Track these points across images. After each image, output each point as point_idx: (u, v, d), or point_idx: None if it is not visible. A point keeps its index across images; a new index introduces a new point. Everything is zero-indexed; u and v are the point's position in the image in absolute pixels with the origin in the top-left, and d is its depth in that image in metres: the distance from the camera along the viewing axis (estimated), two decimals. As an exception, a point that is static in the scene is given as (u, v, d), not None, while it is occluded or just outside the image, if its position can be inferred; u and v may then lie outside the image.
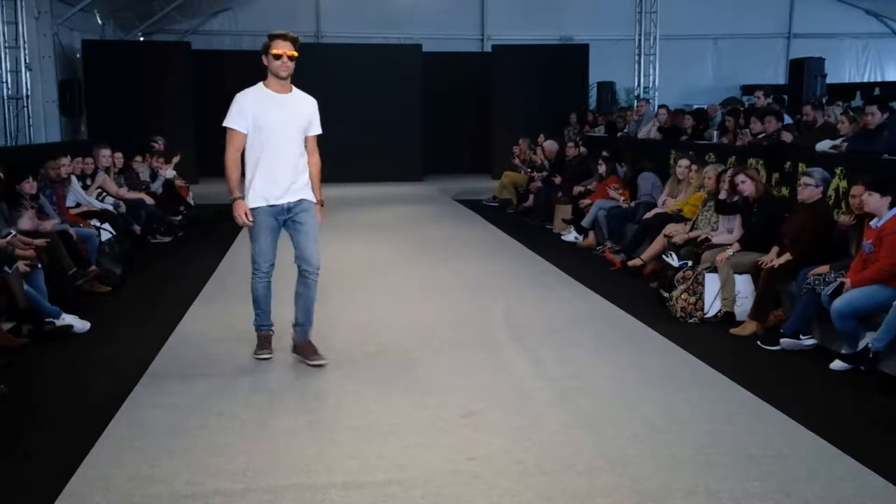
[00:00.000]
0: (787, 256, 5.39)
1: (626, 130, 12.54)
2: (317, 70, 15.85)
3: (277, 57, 4.41)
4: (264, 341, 4.87)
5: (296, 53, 4.45)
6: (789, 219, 5.69)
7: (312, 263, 4.63)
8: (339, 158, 15.61)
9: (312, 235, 4.61)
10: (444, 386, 4.33)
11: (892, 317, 4.39)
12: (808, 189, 5.48)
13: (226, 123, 4.47)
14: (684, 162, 7.84)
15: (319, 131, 4.69)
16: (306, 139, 4.64)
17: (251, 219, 4.49)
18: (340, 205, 12.57)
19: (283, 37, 4.43)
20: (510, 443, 3.58)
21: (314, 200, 4.67)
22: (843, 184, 6.00)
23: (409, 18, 17.41)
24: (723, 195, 6.36)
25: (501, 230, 9.85)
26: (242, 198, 4.50)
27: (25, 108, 12.26)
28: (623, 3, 16.69)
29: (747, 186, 6.04)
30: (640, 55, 15.96)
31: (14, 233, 5.90)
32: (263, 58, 4.47)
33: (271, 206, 4.52)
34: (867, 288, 4.64)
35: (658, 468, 3.32)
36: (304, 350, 4.71)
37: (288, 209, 4.56)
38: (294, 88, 4.59)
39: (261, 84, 4.54)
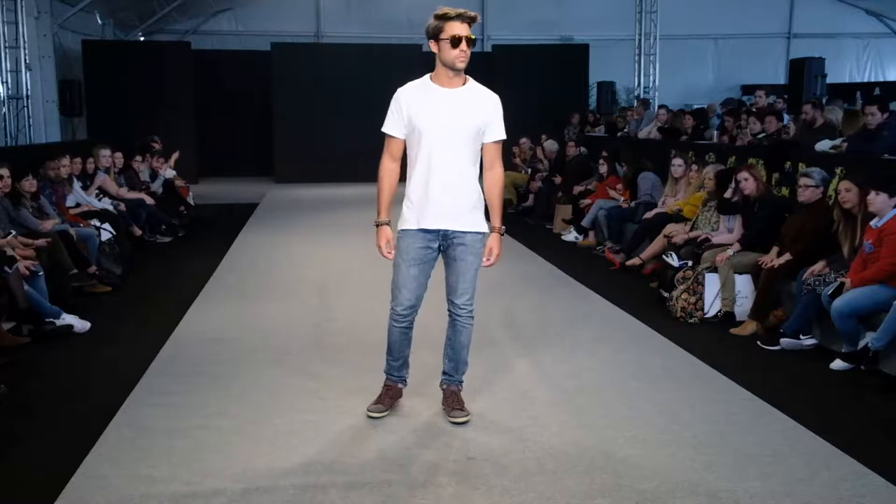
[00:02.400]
0: (786, 256, 5.39)
1: (626, 130, 12.56)
2: (317, 70, 15.92)
3: (456, 42, 3.46)
4: (384, 393, 3.94)
5: (474, 38, 3.53)
6: (790, 219, 5.69)
7: (460, 303, 3.73)
8: (339, 158, 15.71)
9: (468, 274, 3.68)
10: (444, 386, 4.32)
11: (892, 316, 4.39)
12: (809, 190, 5.48)
13: (383, 127, 3.71)
14: (678, 161, 7.85)
15: (502, 136, 3.69)
16: (483, 148, 3.68)
17: (391, 251, 3.68)
18: (341, 205, 12.58)
19: (461, 16, 3.47)
20: (510, 443, 3.58)
21: (482, 231, 3.68)
22: (844, 184, 6.00)
23: (409, 19, 17.42)
24: (728, 193, 6.34)
25: (501, 230, 9.83)
26: (388, 223, 3.71)
27: (25, 108, 12.27)
28: (623, 3, 16.69)
29: (749, 185, 6.03)
30: (640, 55, 15.97)
31: (14, 233, 5.90)
32: (432, 44, 3.55)
33: (423, 230, 3.63)
34: (867, 288, 4.64)
35: (658, 468, 3.32)
36: (447, 400, 3.89)
37: (444, 236, 3.65)
38: (470, 81, 3.65)
39: (426, 77, 3.67)
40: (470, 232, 3.66)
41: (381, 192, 3.70)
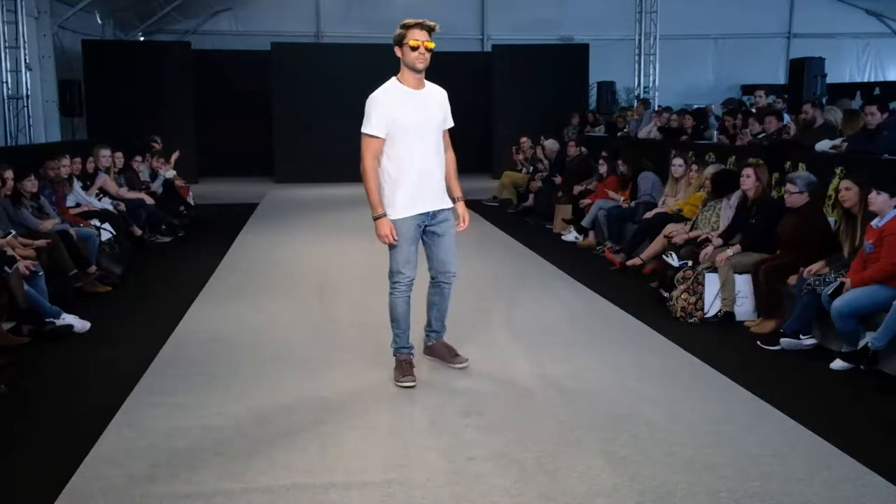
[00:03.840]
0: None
1: (625, 130, 12.56)
2: (317, 70, 15.91)
3: (414, 48, 4.02)
4: (406, 367, 4.35)
5: (433, 45, 4.07)
6: (783, 221, 5.69)
7: (451, 271, 4.40)
8: (339, 158, 15.69)
9: (452, 245, 4.36)
10: (444, 386, 4.32)
11: (892, 316, 4.39)
12: (793, 196, 5.51)
13: (366, 130, 4.09)
14: (678, 161, 7.85)
15: (452, 124, 4.37)
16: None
17: (397, 236, 4.17)
18: (341, 205, 12.57)
19: (420, 25, 4.04)
20: (510, 443, 3.58)
21: (452, 206, 4.35)
22: (844, 184, 5.99)
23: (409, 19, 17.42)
24: (721, 221, 6.31)
25: (501, 230, 9.85)
26: (386, 214, 4.16)
27: (25, 108, 12.26)
28: (623, 3, 16.70)
29: (749, 182, 6.01)
30: (640, 55, 15.97)
31: (14, 233, 5.91)
32: (397, 49, 4.10)
33: (417, 214, 4.21)
34: (867, 288, 4.64)
35: (658, 468, 3.32)
36: (443, 352, 4.57)
37: (432, 216, 4.26)
38: (426, 82, 4.25)
39: (393, 80, 4.18)
40: (447, 208, 4.34)
41: (372, 188, 4.16)
